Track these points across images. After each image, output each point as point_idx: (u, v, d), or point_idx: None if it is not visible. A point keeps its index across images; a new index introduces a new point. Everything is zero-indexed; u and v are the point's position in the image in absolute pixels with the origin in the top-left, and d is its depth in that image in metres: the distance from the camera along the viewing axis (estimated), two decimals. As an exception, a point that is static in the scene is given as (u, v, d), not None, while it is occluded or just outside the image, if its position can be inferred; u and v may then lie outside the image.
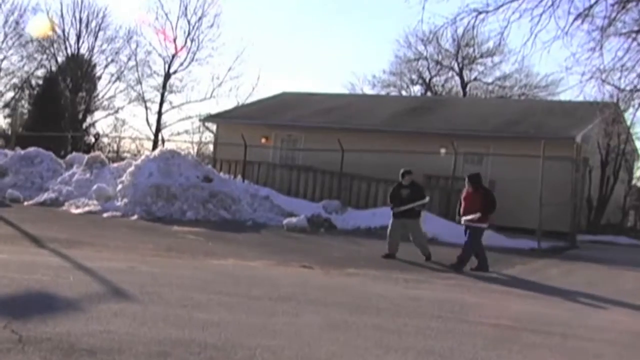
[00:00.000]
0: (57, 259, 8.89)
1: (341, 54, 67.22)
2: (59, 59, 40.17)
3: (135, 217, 15.87)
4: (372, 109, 26.25)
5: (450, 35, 32.33)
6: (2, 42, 38.14)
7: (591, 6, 13.72)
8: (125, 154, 33.49)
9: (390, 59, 46.53)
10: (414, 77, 44.54)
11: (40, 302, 6.15)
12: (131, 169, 17.58)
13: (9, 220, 13.11)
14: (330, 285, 8.95)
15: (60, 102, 36.36)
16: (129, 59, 40.87)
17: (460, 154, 19.66)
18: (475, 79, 43.98)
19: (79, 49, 40.09)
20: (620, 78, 15.16)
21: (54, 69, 39.61)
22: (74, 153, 23.08)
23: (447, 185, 19.54)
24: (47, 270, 7.70)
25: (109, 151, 36.36)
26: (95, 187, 17.51)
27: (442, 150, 20.02)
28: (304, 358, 5.09)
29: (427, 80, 44.29)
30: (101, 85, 41.43)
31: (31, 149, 20.64)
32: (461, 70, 43.41)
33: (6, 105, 40.20)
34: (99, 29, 40.26)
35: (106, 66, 41.07)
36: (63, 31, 39.82)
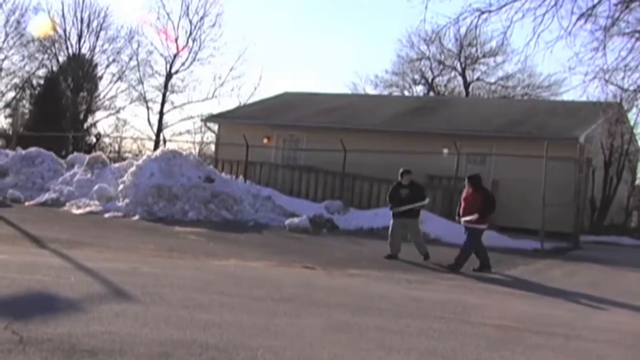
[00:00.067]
0: (58, 259, 8.89)
1: (343, 54, 67.30)
2: (60, 59, 40.19)
3: (136, 217, 15.86)
4: (375, 109, 26.22)
5: (452, 35, 32.36)
6: (3, 41, 38.15)
7: (594, 6, 13.70)
8: (127, 154, 33.48)
9: (393, 58, 46.59)
10: (417, 77, 44.55)
11: (41, 303, 6.14)
12: (132, 169, 17.57)
13: (10, 221, 13.11)
14: (333, 286, 8.93)
15: (62, 102, 36.36)
16: (131, 58, 40.91)
17: (463, 154, 19.62)
18: (477, 79, 43.97)
19: (80, 48, 40.13)
20: (623, 78, 15.15)
21: (55, 68, 39.61)
22: (75, 153, 23.08)
23: (449, 185, 19.50)
24: (48, 271, 7.69)
25: (110, 151, 36.37)
26: (96, 187, 17.50)
27: (445, 151, 19.98)
28: (305, 359, 5.08)
29: (430, 80, 44.27)
30: (102, 85, 41.49)
31: (32, 149, 20.64)
32: (464, 70, 43.37)
33: (7, 105, 40.22)
34: (101, 29, 40.30)
35: (107, 66, 41.12)
36: (64, 31, 39.85)
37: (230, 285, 8.13)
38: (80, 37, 39.94)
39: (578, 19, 13.67)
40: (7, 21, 37.89)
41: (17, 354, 4.53)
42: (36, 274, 7.41)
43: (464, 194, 11.79)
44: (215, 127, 29.32)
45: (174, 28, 41.14)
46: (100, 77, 41.22)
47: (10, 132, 33.38)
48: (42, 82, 38.51)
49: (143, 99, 41.62)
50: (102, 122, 43.54)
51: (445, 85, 44.54)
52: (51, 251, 9.71)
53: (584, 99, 19.37)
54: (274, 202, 18.60)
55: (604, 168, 24.01)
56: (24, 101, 40.44)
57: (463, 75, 43.52)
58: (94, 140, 38.43)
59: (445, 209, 18.07)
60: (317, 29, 66.06)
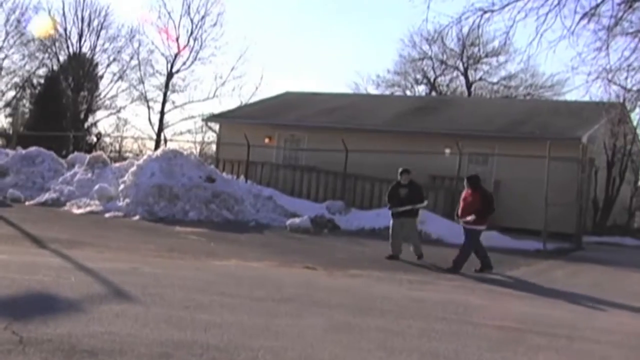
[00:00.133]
0: (59, 259, 8.88)
1: (345, 54, 67.28)
2: (61, 58, 40.15)
3: (137, 217, 15.84)
4: (376, 108, 26.19)
5: (455, 35, 32.33)
6: (4, 40, 38.11)
7: (597, 5, 13.64)
8: (128, 154, 33.44)
9: (395, 58, 46.49)
10: (419, 76, 44.51)
11: (41, 303, 6.14)
12: (133, 169, 17.56)
13: (10, 221, 13.10)
14: (334, 287, 8.91)
15: (62, 101, 36.33)
16: (132, 58, 40.88)
17: (465, 154, 19.58)
18: (480, 78, 43.92)
19: (80, 47, 40.08)
20: (626, 78, 15.08)
21: (55, 68, 39.55)
22: (75, 153, 23.06)
23: (451, 185, 19.45)
24: (48, 271, 7.68)
25: (111, 151, 36.35)
26: (97, 187, 17.48)
27: (447, 151, 19.94)
28: (306, 359, 5.05)
29: (432, 80, 44.23)
30: (103, 84, 41.44)
31: (32, 149, 20.62)
32: (466, 69, 43.32)
33: (7, 104, 40.18)
34: (101, 28, 40.27)
35: (108, 65, 41.09)
36: (65, 30, 39.79)
37: (231, 285, 8.12)
38: (80, 36, 39.96)
39: (581, 18, 13.62)
40: (7, 20, 37.91)
41: (17, 355, 4.53)
42: (36, 274, 7.41)
43: (463, 194, 11.79)
44: (216, 126, 29.34)
45: (175, 27, 41.19)
46: (101, 77, 41.26)
47: (11, 132, 33.39)
48: (42, 81, 38.47)
49: (144, 99, 41.65)
50: (103, 122, 43.61)
51: (448, 85, 44.52)
52: (51, 251, 9.70)
53: (586, 99, 19.37)
54: (275, 202, 18.57)
55: (607, 168, 23.94)
56: (25, 100, 40.45)
57: (465, 75, 43.48)
58: (95, 139, 38.41)
59: (447, 210, 18.02)
60: (319, 28, 66.13)
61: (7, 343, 4.73)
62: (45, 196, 18.01)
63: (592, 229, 21.78)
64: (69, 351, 4.67)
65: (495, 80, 43.52)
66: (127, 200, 16.64)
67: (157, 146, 35.54)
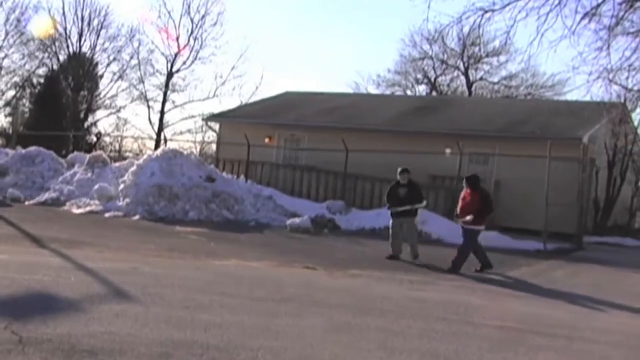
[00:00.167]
0: (58, 259, 8.87)
1: (345, 54, 67.29)
2: (61, 58, 40.06)
3: (137, 217, 15.82)
4: (377, 108, 26.18)
5: (456, 35, 32.15)
6: (4, 40, 38.02)
7: (599, 5, 13.61)
8: (128, 154, 33.39)
9: (395, 58, 46.48)
10: (420, 76, 44.48)
11: (41, 303, 6.14)
12: (133, 168, 17.54)
13: (10, 220, 13.08)
14: (334, 287, 8.90)
15: (62, 101, 36.31)
16: (132, 57, 40.82)
17: (466, 155, 19.56)
18: (481, 78, 43.88)
19: (81, 47, 40.01)
20: (627, 78, 15.04)
21: (55, 67, 39.50)
22: (75, 152, 23.02)
23: (452, 185, 19.43)
24: (48, 271, 7.68)
25: (111, 151, 36.30)
26: (97, 187, 17.47)
27: (448, 151, 19.91)
28: (307, 360, 5.05)
29: (433, 79, 44.20)
30: (103, 84, 41.37)
31: (32, 149, 20.60)
32: (467, 69, 43.29)
33: (7, 104, 40.10)
34: (102, 28, 40.20)
35: (108, 65, 41.02)
36: (65, 29, 39.70)
37: (231, 285, 8.11)
38: (81, 35, 39.90)
39: (582, 18, 13.59)
40: (7, 20, 37.84)
41: (16, 355, 4.53)
42: (36, 274, 7.40)
43: (462, 194, 11.80)
44: (216, 126, 29.34)
45: (176, 27, 41.17)
46: (101, 76, 41.21)
47: (11, 131, 33.36)
48: (42, 81, 38.45)
49: (144, 98, 41.62)
50: (103, 122, 43.60)
51: (448, 85, 44.48)
52: (51, 251, 9.69)
53: (587, 99, 19.39)
54: (275, 202, 18.56)
55: (608, 169, 23.92)
56: (25, 100, 40.36)
57: (466, 75, 43.45)
58: (95, 139, 38.36)
59: (448, 210, 18.00)
60: (320, 28, 66.12)
61: (7, 343, 4.73)
62: (45, 196, 17.99)
63: (593, 229, 21.76)
64: (68, 351, 4.67)
65: (496, 80, 43.55)
66: (127, 200, 16.63)
67: (157, 146, 35.52)
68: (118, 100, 41.75)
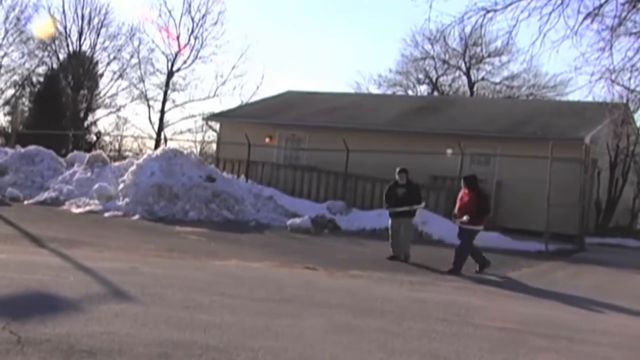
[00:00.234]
0: (57, 259, 8.85)
1: (347, 53, 67.25)
2: (61, 56, 40.01)
3: (136, 217, 15.80)
4: (378, 108, 26.15)
5: (457, 34, 32.05)
6: (3, 38, 37.99)
7: (601, 5, 13.60)
8: (127, 153, 33.43)
9: (397, 57, 46.35)
10: (421, 76, 44.42)
11: (39, 303, 6.12)
12: (133, 168, 17.52)
13: (9, 220, 13.07)
14: (334, 287, 8.88)
15: (62, 99, 36.27)
16: (132, 56, 40.75)
17: (467, 155, 19.54)
18: (482, 78, 43.81)
19: (80, 46, 39.95)
20: (630, 78, 15.06)
21: (55, 66, 39.45)
22: (75, 152, 23.01)
23: (453, 186, 19.40)
24: (47, 271, 7.66)
25: (111, 150, 36.30)
26: (96, 186, 17.45)
27: (449, 151, 19.89)
28: (306, 361, 5.03)
29: (434, 79, 44.15)
30: (103, 83, 41.30)
31: (32, 147, 20.59)
32: (468, 69, 43.25)
33: (7, 102, 40.05)
34: (102, 26, 40.15)
35: (108, 64, 40.94)
36: (65, 28, 39.67)
37: (231, 285, 8.09)
38: (80, 34, 39.86)
39: (584, 18, 13.58)
40: (6, 18, 37.82)
41: (15, 354, 4.52)
42: (35, 273, 7.38)
43: (460, 194, 11.78)
44: (216, 126, 29.30)
45: (176, 26, 41.12)
46: (101, 75, 41.15)
47: (10, 130, 33.34)
48: (42, 79, 38.41)
49: (144, 97, 41.55)
50: (103, 121, 43.59)
51: (450, 85, 44.45)
52: (50, 250, 9.68)
53: (589, 99, 19.28)
54: (275, 202, 18.54)
55: (610, 169, 23.88)
56: (24, 99, 40.28)
57: (468, 74, 43.41)
58: (94, 138, 38.33)
59: (448, 210, 17.91)
60: (320, 27, 66.10)
61: (5, 343, 4.71)
62: (45, 195, 17.97)
63: (595, 230, 21.73)
64: (67, 351, 4.66)
65: (497, 80, 43.49)
66: (127, 199, 16.60)
67: (157, 145, 35.54)
68: (118, 99, 41.75)
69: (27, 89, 40.25)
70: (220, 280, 8.41)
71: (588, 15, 13.60)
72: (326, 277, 9.68)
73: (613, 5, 13.82)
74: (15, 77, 39.79)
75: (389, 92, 43.13)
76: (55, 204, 17.31)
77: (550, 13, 13.49)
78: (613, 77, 14.79)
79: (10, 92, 40.20)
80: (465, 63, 43.12)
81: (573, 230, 17.74)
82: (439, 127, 22.80)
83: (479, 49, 39.63)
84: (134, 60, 40.69)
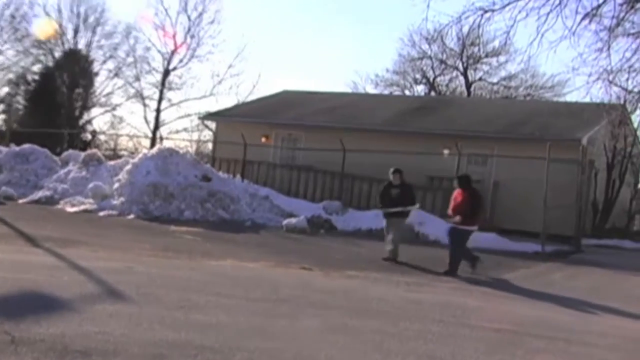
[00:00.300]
0: (52, 258, 8.82)
1: (344, 53, 67.25)
2: (56, 54, 39.86)
3: (132, 216, 15.75)
4: (375, 108, 26.13)
5: (455, 34, 32.07)
6: (-2, 36, 37.98)
7: (599, 6, 13.58)
8: (123, 152, 33.29)
9: (394, 57, 45.98)
10: (418, 76, 44.40)
11: (34, 303, 6.10)
12: (128, 167, 17.48)
13: (3, 219, 13.00)
14: (330, 288, 8.86)
15: (57, 98, 36.20)
16: (128, 55, 40.72)
17: (464, 155, 19.52)
18: (480, 78, 43.84)
19: (76, 44, 39.91)
20: (627, 79, 15.04)
21: (50, 64, 39.32)
22: (69, 150, 22.87)
23: (450, 186, 19.38)
24: (41, 270, 7.63)
25: (106, 149, 36.10)
26: (91, 185, 17.40)
27: (446, 151, 19.87)
28: (302, 362, 5.01)
29: (431, 79, 44.16)
30: (99, 81, 41.20)
31: (26, 146, 20.51)
32: (466, 69, 43.26)
33: (1, 101, 39.92)
34: (97, 24, 40.10)
35: (104, 62, 40.90)
36: (60, 26, 39.60)
37: (227, 285, 8.06)
38: (76, 32, 39.80)
39: (582, 18, 13.55)
40: (1, 15, 37.72)
41: (9, 355, 4.50)
42: (29, 273, 7.36)
43: (454, 194, 11.76)
44: (212, 125, 29.18)
45: (172, 24, 41.01)
46: (97, 74, 41.05)
47: (4, 128, 33.24)
48: (36, 77, 38.32)
49: (140, 96, 41.49)
50: (98, 119, 43.50)
51: (447, 85, 44.44)
52: (44, 250, 9.64)
53: (587, 100, 19.29)
54: (271, 202, 18.51)
55: (607, 170, 23.91)
56: (18, 97, 40.10)
57: (465, 75, 43.42)
58: (90, 137, 38.25)
59: (445, 211, 17.90)
60: (317, 27, 66.06)
61: (-2, 343, 4.68)
62: (39, 194, 17.90)
63: (591, 231, 21.76)
64: (61, 351, 4.63)
65: (495, 80, 43.50)
66: (122, 198, 16.55)
67: (152, 144, 35.41)
68: (113, 97, 41.66)
69: (22, 87, 40.09)
70: (215, 280, 8.38)
71: (586, 15, 13.58)
72: (322, 278, 9.66)
73: (611, 6, 13.81)
74: (10, 75, 39.74)
75: (386, 92, 43.11)
76: (50, 203, 17.25)
77: (548, 13, 13.47)
78: (611, 77, 14.79)
79: (5, 90, 40.18)
80: (463, 63, 43.16)
81: (570, 232, 17.75)
82: (436, 128, 22.80)
83: (476, 49, 39.60)
84: (130, 59, 40.69)
